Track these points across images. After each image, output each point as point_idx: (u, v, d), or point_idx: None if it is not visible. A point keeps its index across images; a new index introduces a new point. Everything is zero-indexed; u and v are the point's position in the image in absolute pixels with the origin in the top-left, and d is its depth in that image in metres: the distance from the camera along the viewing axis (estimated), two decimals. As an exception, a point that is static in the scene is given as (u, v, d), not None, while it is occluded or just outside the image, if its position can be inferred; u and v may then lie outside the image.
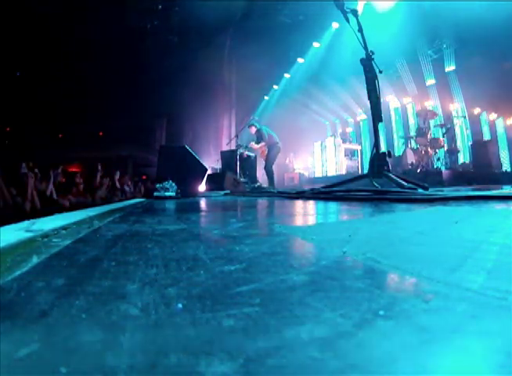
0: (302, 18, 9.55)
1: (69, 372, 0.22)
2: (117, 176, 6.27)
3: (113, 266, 0.49)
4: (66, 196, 4.91)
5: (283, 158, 10.59)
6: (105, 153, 13.80)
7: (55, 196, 4.67)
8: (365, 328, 0.27)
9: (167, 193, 3.52)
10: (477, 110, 8.64)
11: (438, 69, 9.14)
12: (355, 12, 2.91)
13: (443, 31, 8.19)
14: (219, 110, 13.17)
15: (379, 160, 2.68)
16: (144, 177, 9.17)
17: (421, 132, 7.42)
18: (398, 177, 2.58)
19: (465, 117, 8.40)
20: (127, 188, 6.51)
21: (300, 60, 10.77)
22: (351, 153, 9.65)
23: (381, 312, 0.30)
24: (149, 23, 10.48)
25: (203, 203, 2.60)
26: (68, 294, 0.37)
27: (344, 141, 9.73)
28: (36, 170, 4.51)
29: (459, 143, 8.68)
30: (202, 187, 5.11)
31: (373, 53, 2.81)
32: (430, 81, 9.49)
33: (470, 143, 8.26)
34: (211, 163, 9.00)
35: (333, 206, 1.82)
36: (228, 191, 5.02)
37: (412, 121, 9.89)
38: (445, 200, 1.71)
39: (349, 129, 10.76)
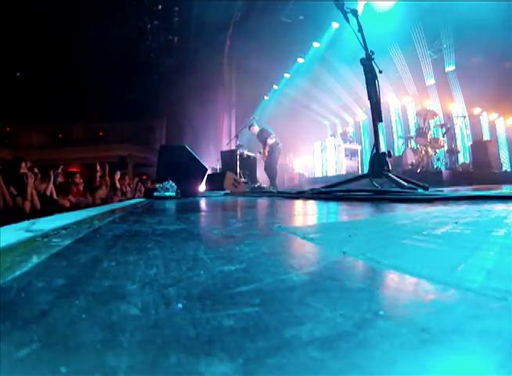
0: (302, 18, 9.55)
1: (69, 372, 0.22)
2: (118, 176, 6.27)
3: (113, 266, 0.49)
4: (66, 196, 4.91)
5: (283, 158, 10.59)
6: (105, 153, 13.82)
7: (55, 196, 4.68)
8: (365, 328, 0.27)
9: (167, 193, 3.52)
10: (477, 110, 8.64)
11: (438, 69, 9.14)
12: (355, 12, 2.91)
13: (443, 31, 8.19)
14: (219, 109, 13.18)
15: (379, 160, 2.68)
16: (144, 177, 9.18)
17: (421, 132, 7.42)
18: (398, 177, 2.58)
19: (465, 117, 8.39)
20: (127, 188, 6.51)
21: (300, 60, 10.77)
22: (351, 153, 9.64)
23: (381, 312, 0.30)
24: (149, 23, 10.48)
25: (203, 203, 2.60)
26: (68, 294, 0.37)
27: (344, 141, 9.73)
28: (36, 170, 4.51)
29: (459, 143, 8.68)
30: (202, 187, 5.11)
31: (373, 53, 2.81)
32: (430, 81, 9.49)
33: (470, 143, 8.26)
34: (211, 163, 9.00)
35: (333, 206, 1.82)
36: (228, 191, 5.02)
37: (412, 121, 9.89)
38: (445, 200, 1.71)
39: (350, 129, 10.75)
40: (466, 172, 6.67)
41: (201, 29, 10.70)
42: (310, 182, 9.53)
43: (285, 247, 0.67)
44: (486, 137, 8.45)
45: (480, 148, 7.26)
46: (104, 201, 5.32)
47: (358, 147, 10.05)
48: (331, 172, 9.72)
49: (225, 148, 8.80)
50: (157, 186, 3.63)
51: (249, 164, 7.49)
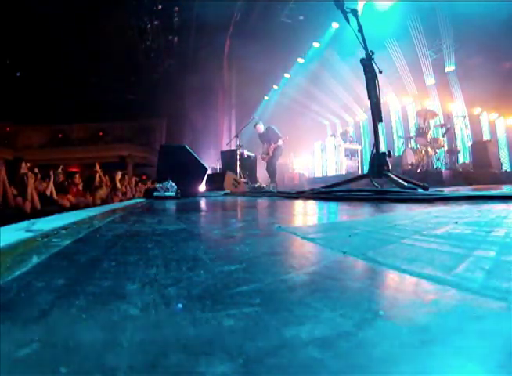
0: (302, 18, 9.55)
1: (69, 372, 0.22)
2: (119, 176, 6.27)
3: (113, 266, 0.49)
4: (66, 196, 4.91)
5: (283, 158, 10.59)
6: (105, 153, 13.81)
7: (55, 196, 4.68)
8: (365, 328, 0.27)
9: (167, 193, 3.52)
10: (477, 110, 8.64)
11: (438, 69, 9.14)
12: (355, 12, 2.91)
13: (443, 31, 8.19)
14: (219, 109, 13.18)
15: (379, 160, 2.68)
16: (144, 177, 9.18)
17: (421, 132, 7.42)
18: (398, 177, 2.58)
19: (465, 117, 8.40)
20: (127, 188, 6.51)
21: (300, 60, 10.77)
22: (351, 153, 9.64)
23: (381, 312, 0.30)
24: (149, 23, 10.48)
25: (203, 203, 2.60)
26: (68, 294, 0.37)
27: (344, 141, 9.73)
28: (36, 170, 4.51)
29: (459, 143, 8.69)
30: (202, 187, 5.11)
31: (372, 53, 2.80)
32: (430, 81, 9.49)
33: (469, 143, 8.26)
34: (211, 163, 9.01)
35: (333, 206, 1.82)
36: (228, 191, 5.02)
37: (412, 121, 9.89)
38: (445, 200, 1.71)
39: (350, 129, 10.75)
40: (466, 172, 6.67)
41: (201, 29, 10.70)
42: (310, 181, 9.52)
43: (285, 247, 0.67)
44: (486, 137, 8.45)
45: (480, 148, 7.25)
46: (104, 201, 5.32)
47: (358, 147, 10.04)
48: (331, 172, 9.72)
49: (225, 148, 8.81)
50: (157, 186, 3.63)
51: (249, 164, 7.50)
